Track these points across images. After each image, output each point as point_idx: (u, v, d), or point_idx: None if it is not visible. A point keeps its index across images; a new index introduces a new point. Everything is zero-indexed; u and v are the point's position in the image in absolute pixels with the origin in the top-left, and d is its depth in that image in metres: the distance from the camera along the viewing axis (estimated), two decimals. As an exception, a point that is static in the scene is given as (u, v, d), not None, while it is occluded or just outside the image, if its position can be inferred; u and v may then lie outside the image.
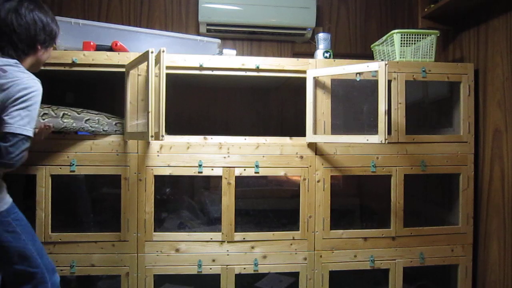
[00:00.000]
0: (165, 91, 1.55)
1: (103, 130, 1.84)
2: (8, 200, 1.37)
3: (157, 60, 1.57)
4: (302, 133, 1.95)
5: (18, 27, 1.31)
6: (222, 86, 2.47)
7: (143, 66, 1.79)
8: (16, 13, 1.31)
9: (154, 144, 1.86)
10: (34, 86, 1.28)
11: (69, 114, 1.75)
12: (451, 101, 2.17)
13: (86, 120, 1.79)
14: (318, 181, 1.96)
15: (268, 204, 2.32)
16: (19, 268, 1.35)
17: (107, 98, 2.37)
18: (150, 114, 1.52)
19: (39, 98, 1.30)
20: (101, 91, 2.37)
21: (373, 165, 1.98)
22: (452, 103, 2.16)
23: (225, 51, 2.10)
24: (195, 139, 1.90)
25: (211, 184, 2.32)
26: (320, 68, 1.94)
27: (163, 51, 1.53)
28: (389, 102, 1.87)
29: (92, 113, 1.81)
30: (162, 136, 1.52)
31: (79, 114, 1.77)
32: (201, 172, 1.89)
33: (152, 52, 1.54)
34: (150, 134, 1.52)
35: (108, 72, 1.87)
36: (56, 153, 1.81)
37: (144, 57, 1.60)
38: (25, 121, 1.25)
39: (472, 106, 2.07)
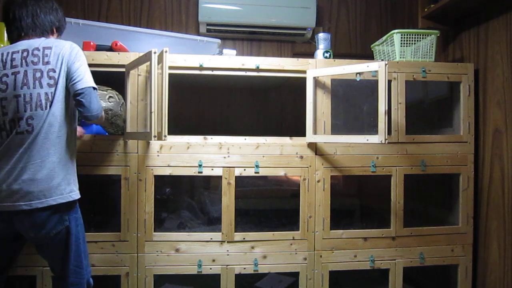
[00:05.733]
0: (158, 90, 1.55)
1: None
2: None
3: (160, 60, 1.57)
4: (302, 133, 1.95)
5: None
6: (222, 86, 2.47)
7: (143, 66, 1.79)
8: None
9: (154, 144, 1.86)
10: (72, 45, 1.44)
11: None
12: (451, 101, 2.17)
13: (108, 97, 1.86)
14: (318, 181, 1.96)
15: (268, 204, 2.32)
16: (71, 265, 1.43)
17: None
18: (152, 114, 1.53)
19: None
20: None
21: (373, 165, 1.98)
22: (452, 103, 2.16)
23: (225, 51, 2.10)
24: (195, 139, 1.90)
25: (211, 184, 2.31)
26: (320, 68, 1.94)
27: (166, 52, 1.54)
28: (389, 102, 1.86)
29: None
30: (165, 136, 1.53)
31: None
32: (201, 172, 1.89)
33: (155, 53, 1.54)
34: (153, 134, 1.53)
35: (108, 72, 1.87)
36: (56, 153, 1.80)
37: (147, 57, 1.60)
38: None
39: (472, 106, 2.07)
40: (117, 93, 1.87)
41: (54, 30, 1.50)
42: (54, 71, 1.37)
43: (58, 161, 1.37)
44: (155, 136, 1.53)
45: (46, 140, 1.35)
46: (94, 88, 1.42)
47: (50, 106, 1.36)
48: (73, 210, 1.44)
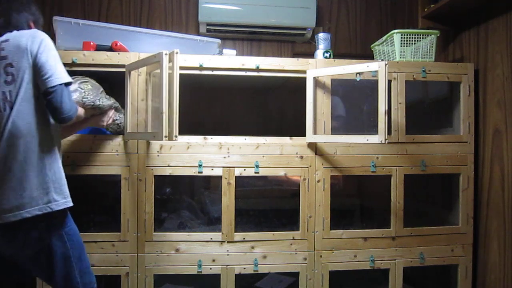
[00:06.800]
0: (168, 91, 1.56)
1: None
2: (69, 198, 1.32)
3: (170, 60, 1.58)
4: (302, 133, 1.95)
5: None
6: (222, 86, 2.47)
7: (143, 67, 1.79)
8: None
9: (154, 144, 1.86)
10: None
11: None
12: (451, 101, 2.17)
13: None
14: (318, 181, 1.96)
15: (268, 204, 2.32)
16: (60, 281, 1.30)
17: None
18: (164, 114, 1.53)
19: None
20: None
21: (373, 165, 1.98)
22: (452, 103, 2.16)
23: (225, 51, 2.10)
24: (195, 139, 1.90)
25: (211, 184, 2.31)
26: (320, 68, 1.94)
27: (177, 53, 1.54)
28: (389, 102, 1.86)
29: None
30: (176, 136, 1.53)
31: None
32: (201, 172, 1.89)
33: (166, 54, 1.55)
34: (164, 134, 1.53)
35: (108, 72, 1.87)
36: (56, 153, 1.80)
37: (156, 58, 1.59)
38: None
39: (472, 106, 2.07)
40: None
41: (32, 25, 1.39)
42: (12, 66, 1.22)
43: (29, 167, 1.22)
44: (166, 136, 1.53)
45: (11, 146, 1.20)
46: (67, 84, 1.27)
47: (12, 107, 1.21)
48: (57, 225, 1.28)
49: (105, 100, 1.68)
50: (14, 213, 1.19)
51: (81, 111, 1.47)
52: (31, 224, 1.22)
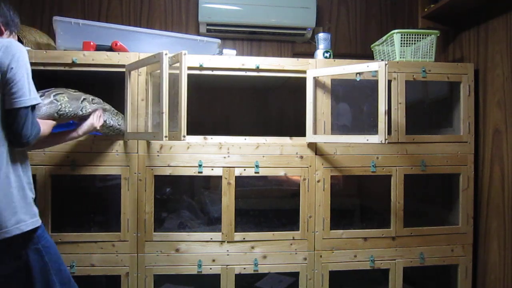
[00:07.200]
0: (168, 91, 1.55)
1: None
2: (38, 217, 1.25)
3: (175, 61, 1.58)
4: (302, 133, 1.95)
5: None
6: (222, 86, 2.47)
7: (143, 67, 1.79)
8: None
9: (154, 144, 1.86)
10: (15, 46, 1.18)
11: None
12: (451, 101, 2.17)
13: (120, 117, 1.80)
14: (318, 181, 1.96)
15: (268, 204, 2.32)
16: None
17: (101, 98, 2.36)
18: (164, 115, 1.53)
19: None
20: (98, 91, 2.36)
21: (373, 165, 1.98)
22: (452, 103, 2.16)
23: (225, 51, 2.10)
24: (195, 139, 1.90)
25: (211, 184, 2.31)
26: (320, 68, 1.94)
27: (185, 54, 1.54)
28: (389, 102, 1.87)
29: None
30: (184, 136, 1.53)
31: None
32: (201, 172, 1.89)
33: (166, 54, 1.55)
34: (164, 134, 1.53)
35: (107, 72, 1.87)
36: (56, 153, 1.81)
37: (156, 58, 1.60)
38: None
39: (472, 106, 2.07)
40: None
41: (2, 29, 1.29)
42: None
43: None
44: (166, 136, 1.53)
45: None
46: (34, 107, 1.18)
47: None
48: (32, 241, 1.22)
49: (89, 107, 1.60)
50: None
51: (47, 129, 1.33)
52: (6, 244, 1.16)
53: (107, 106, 1.75)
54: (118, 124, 1.80)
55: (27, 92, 1.16)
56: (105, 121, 1.69)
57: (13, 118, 1.14)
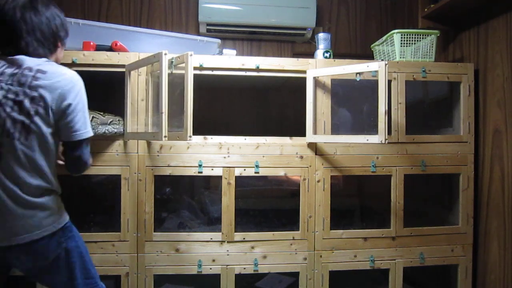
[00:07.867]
0: (167, 91, 1.55)
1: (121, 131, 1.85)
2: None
3: (179, 62, 1.58)
4: (302, 133, 1.95)
5: (40, 24, 1.22)
6: (222, 86, 2.47)
7: (143, 67, 1.79)
8: (33, 10, 1.21)
9: (154, 144, 1.86)
10: (78, 78, 1.27)
11: (96, 117, 1.76)
12: (451, 101, 2.17)
13: (110, 122, 1.81)
14: (318, 181, 1.96)
15: (268, 204, 2.32)
16: (80, 280, 1.33)
17: (101, 98, 2.36)
18: (163, 114, 1.53)
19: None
20: (97, 90, 2.36)
21: (373, 165, 1.98)
22: (452, 103, 2.16)
23: (225, 51, 2.10)
24: (195, 139, 1.90)
25: (211, 184, 2.31)
26: (320, 68, 1.94)
27: (191, 55, 1.55)
28: (389, 102, 1.86)
29: (111, 115, 1.84)
30: (190, 136, 1.54)
31: (104, 117, 1.79)
32: (201, 172, 1.89)
33: (165, 54, 1.55)
34: (163, 134, 1.53)
35: (107, 72, 1.87)
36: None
37: (155, 58, 1.59)
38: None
39: (472, 106, 2.07)
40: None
41: (59, 44, 1.34)
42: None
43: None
44: (165, 136, 1.53)
45: None
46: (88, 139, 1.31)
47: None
48: (68, 229, 1.34)
49: (111, 129, 1.80)
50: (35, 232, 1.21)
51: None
52: (51, 235, 1.25)
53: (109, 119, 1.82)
54: (114, 129, 1.83)
55: (87, 125, 1.27)
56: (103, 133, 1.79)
57: (75, 149, 1.27)
